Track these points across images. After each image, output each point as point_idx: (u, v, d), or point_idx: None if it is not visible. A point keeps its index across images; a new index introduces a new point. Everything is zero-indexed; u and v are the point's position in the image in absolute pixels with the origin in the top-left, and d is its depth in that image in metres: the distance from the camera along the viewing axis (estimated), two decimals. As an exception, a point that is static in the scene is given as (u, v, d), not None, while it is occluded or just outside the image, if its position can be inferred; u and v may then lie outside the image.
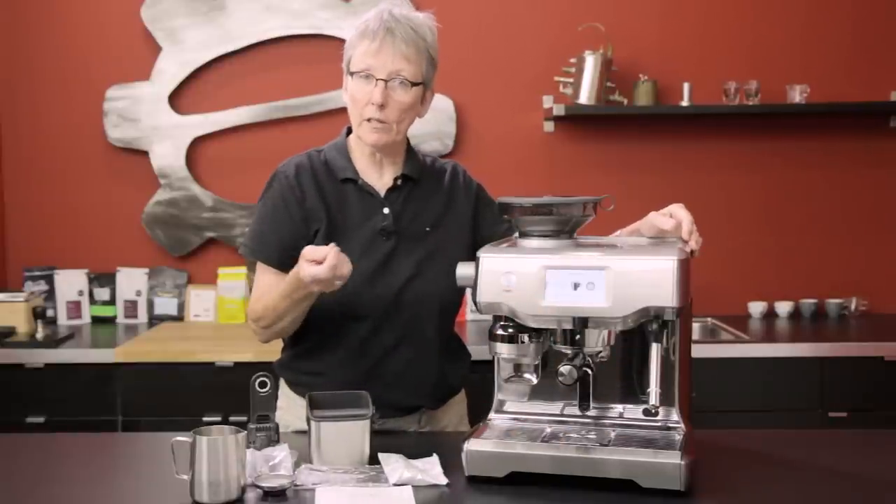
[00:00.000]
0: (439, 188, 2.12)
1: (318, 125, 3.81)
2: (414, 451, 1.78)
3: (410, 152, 2.12)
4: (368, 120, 1.98)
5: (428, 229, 2.07)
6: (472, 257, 1.75)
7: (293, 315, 1.97)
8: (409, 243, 2.04)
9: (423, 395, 2.08)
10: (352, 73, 1.99)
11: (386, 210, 2.04)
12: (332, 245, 1.81)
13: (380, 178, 2.08)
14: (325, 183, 2.06)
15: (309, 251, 1.82)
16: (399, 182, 2.07)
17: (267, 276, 2.05)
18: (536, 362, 1.74)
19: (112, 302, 3.87)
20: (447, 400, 2.15)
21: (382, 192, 2.06)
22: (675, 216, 1.79)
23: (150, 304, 3.86)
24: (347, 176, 2.06)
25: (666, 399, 1.70)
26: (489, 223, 2.11)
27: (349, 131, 2.12)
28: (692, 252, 1.72)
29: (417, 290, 2.02)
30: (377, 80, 1.95)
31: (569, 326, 1.67)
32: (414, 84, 1.98)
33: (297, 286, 1.88)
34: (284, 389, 2.15)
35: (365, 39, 1.97)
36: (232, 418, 3.09)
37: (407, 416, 2.08)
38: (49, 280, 3.82)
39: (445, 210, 2.10)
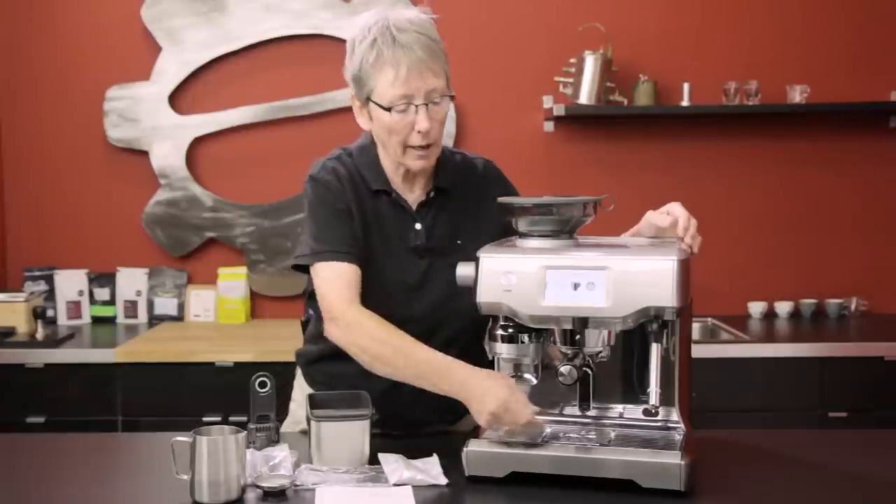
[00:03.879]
0: (471, 194, 2.00)
1: (318, 125, 3.81)
2: (414, 451, 1.77)
3: (441, 157, 1.98)
4: (414, 147, 1.86)
5: (459, 242, 1.96)
6: None
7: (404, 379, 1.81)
8: (442, 259, 1.92)
9: (442, 412, 2.00)
10: (381, 106, 1.84)
11: (418, 226, 1.95)
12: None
13: (411, 190, 1.97)
14: (362, 192, 1.94)
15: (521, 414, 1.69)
16: (431, 195, 1.96)
17: (347, 274, 1.87)
18: (536, 362, 1.74)
19: (112, 302, 3.87)
20: (464, 416, 2.11)
21: (414, 206, 1.96)
22: (673, 214, 1.78)
23: (150, 304, 3.86)
24: (380, 188, 1.94)
25: (666, 399, 1.69)
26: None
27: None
28: (691, 250, 1.72)
29: (451, 307, 1.93)
30: (417, 106, 1.83)
31: (569, 326, 1.67)
32: (450, 94, 1.89)
33: (451, 390, 1.74)
34: (302, 384, 2.10)
35: (387, 68, 1.82)
36: (232, 418, 3.09)
37: (421, 429, 2.01)
38: (49, 280, 3.82)
39: (477, 219, 1.98)
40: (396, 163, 1.93)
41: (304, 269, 1.95)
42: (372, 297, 1.89)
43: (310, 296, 2.04)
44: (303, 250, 1.93)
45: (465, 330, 1.93)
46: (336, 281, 1.86)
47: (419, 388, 1.83)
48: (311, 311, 2.10)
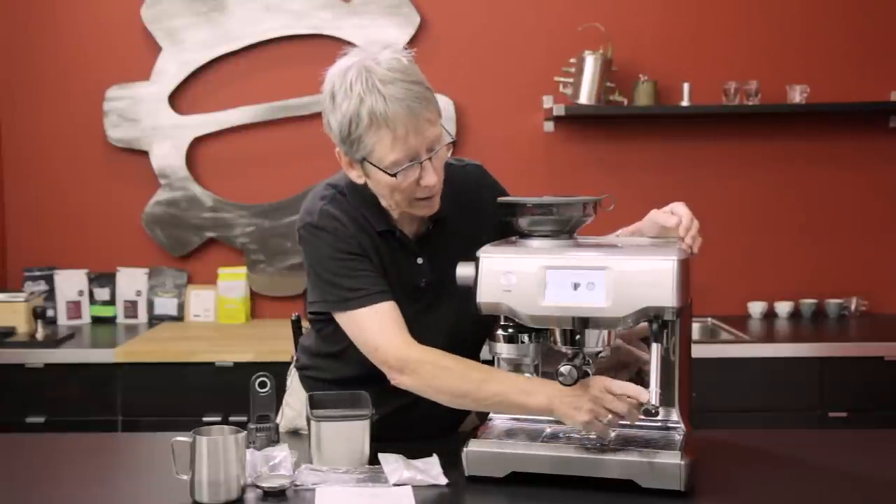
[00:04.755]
0: (466, 212, 1.93)
1: (318, 125, 3.75)
2: (414, 451, 1.77)
3: None
4: (422, 199, 1.80)
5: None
6: None
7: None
8: (446, 291, 1.86)
9: (450, 424, 2.01)
10: (383, 170, 1.75)
11: (420, 260, 1.89)
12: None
13: (409, 224, 1.90)
14: (369, 234, 1.86)
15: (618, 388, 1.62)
16: (431, 227, 1.90)
17: (389, 314, 1.80)
18: (536, 362, 1.74)
19: (112, 302, 3.87)
20: (465, 419, 2.09)
21: (415, 239, 1.90)
22: (676, 213, 1.77)
23: (150, 304, 3.86)
24: (384, 228, 1.87)
25: (666, 399, 1.69)
26: (511, 234, 1.92)
27: None
28: (691, 250, 1.71)
29: (456, 338, 1.88)
30: (422, 162, 1.75)
31: (569, 326, 1.67)
32: (451, 139, 1.81)
33: (540, 406, 1.68)
34: (298, 390, 2.07)
35: (383, 131, 1.72)
36: (232, 418, 3.09)
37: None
38: (49, 280, 3.82)
39: (475, 236, 1.84)
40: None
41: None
42: None
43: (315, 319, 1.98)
44: (328, 297, 1.84)
45: (467, 354, 1.84)
46: (385, 325, 1.79)
47: (431, 405, 1.78)
48: (297, 315, 2.13)
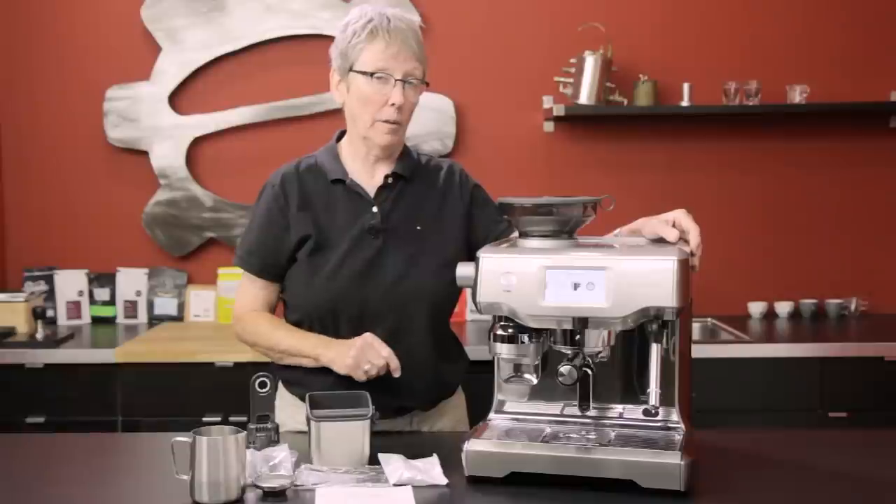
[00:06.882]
0: (433, 187, 2.12)
1: (318, 125, 3.81)
2: (414, 451, 1.78)
3: (405, 151, 2.13)
4: (384, 121, 2.00)
5: (419, 228, 2.07)
6: (464, 257, 1.74)
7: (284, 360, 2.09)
8: (398, 241, 2.04)
9: (413, 395, 2.07)
10: (363, 73, 1.99)
11: (374, 209, 2.05)
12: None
13: (371, 178, 2.09)
14: (313, 187, 2.08)
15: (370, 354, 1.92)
16: (389, 180, 2.07)
17: (252, 286, 2.13)
18: (536, 362, 1.74)
19: (112, 302, 3.87)
20: (439, 402, 2.14)
21: (372, 192, 2.07)
22: (679, 225, 1.74)
23: (150, 305, 3.86)
24: (337, 177, 2.08)
25: (666, 399, 1.70)
26: (484, 223, 2.10)
27: (339, 136, 2.15)
28: (693, 268, 1.69)
29: (406, 289, 2.02)
30: (395, 80, 1.97)
31: (569, 326, 1.67)
32: (423, 83, 2.03)
33: (312, 358, 2.01)
34: (282, 391, 2.14)
35: (377, 40, 1.97)
36: (232, 418, 3.09)
37: (398, 417, 2.07)
38: (49, 280, 3.82)
39: (438, 209, 2.10)
40: (361, 143, 2.05)
41: None
42: (326, 279, 2.00)
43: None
44: (238, 249, 2.16)
45: (412, 314, 2.03)
46: (243, 289, 2.14)
47: (384, 377, 1.96)
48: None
